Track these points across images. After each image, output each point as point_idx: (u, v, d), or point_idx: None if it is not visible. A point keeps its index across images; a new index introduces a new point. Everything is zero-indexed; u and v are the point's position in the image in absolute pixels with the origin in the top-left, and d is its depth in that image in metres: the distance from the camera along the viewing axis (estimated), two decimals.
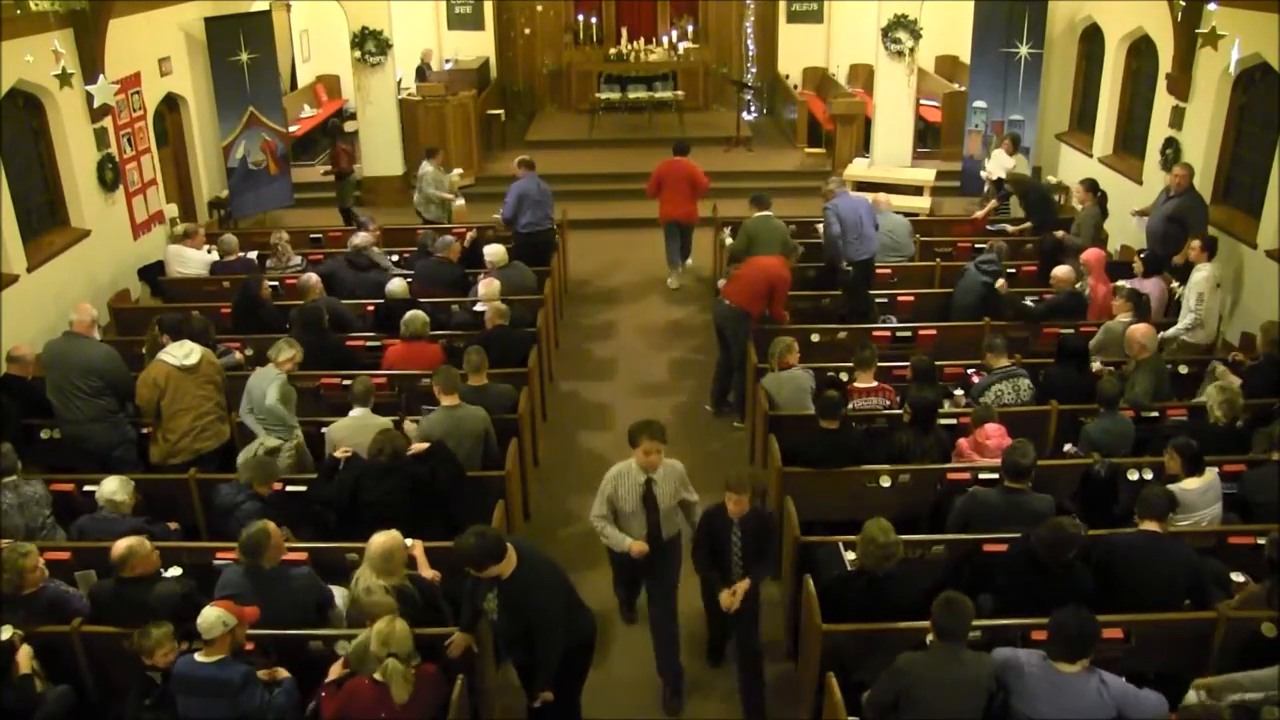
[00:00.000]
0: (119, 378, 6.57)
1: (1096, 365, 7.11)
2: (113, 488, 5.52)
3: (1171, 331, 7.60)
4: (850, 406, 6.52)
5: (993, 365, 6.83)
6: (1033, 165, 11.99)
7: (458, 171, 11.88)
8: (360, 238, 9.05)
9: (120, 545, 4.80)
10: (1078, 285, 8.08)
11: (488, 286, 7.86)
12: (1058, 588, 4.69)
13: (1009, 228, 10.22)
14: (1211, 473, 5.56)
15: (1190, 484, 5.48)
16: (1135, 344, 6.74)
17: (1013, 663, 4.19)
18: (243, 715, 4.24)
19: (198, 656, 4.30)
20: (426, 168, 10.96)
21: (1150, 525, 4.95)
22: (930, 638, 4.26)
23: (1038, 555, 4.75)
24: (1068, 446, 6.41)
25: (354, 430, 6.04)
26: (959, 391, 7.11)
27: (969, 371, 7.21)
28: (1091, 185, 9.39)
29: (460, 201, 11.53)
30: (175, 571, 5.19)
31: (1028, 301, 8.17)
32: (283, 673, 4.53)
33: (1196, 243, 7.72)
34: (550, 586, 4.48)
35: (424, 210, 11.05)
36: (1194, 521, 5.47)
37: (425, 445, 5.81)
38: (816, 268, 9.20)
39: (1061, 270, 8.08)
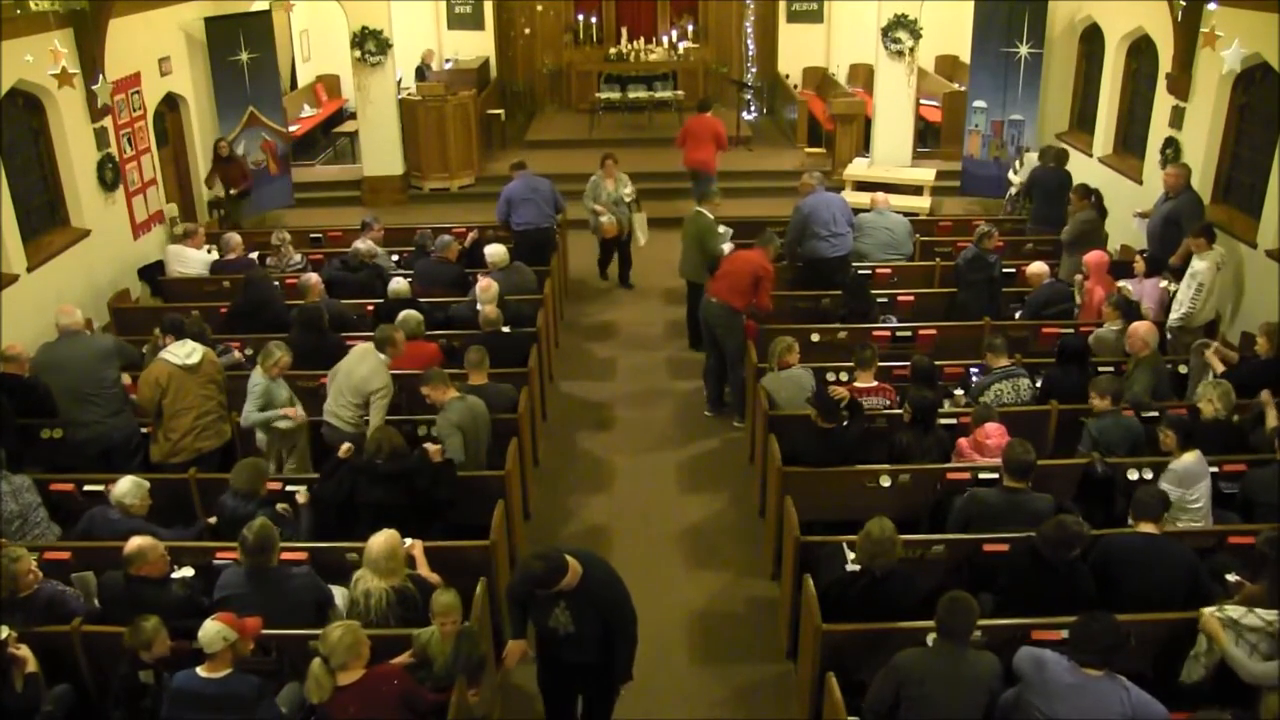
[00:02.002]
0: (130, 354, 6.86)
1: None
2: (125, 489, 5.48)
3: (1170, 322, 7.66)
4: None
5: (993, 365, 6.83)
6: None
7: (627, 190, 10.46)
8: (366, 245, 9.03)
9: (133, 543, 4.81)
10: (1076, 280, 8.16)
11: (485, 290, 7.85)
12: (1060, 587, 4.70)
13: (1012, 177, 10.59)
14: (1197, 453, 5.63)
15: (1188, 458, 5.55)
16: (1138, 340, 6.75)
17: (1036, 655, 4.18)
18: None
19: (200, 671, 4.22)
20: (594, 177, 10.47)
21: (1146, 527, 4.95)
22: (933, 636, 4.26)
23: (1041, 553, 4.75)
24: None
25: (357, 357, 6.48)
26: (959, 391, 7.11)
27: (973, 372, 7.20)
28: (1084, 191, 9.37)
29: (606, 218, 10.29)
30: (187, 572, 5.17)
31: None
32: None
33: (1201, 239, 7.69)
34: (614, 578, 4.50)
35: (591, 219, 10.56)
36: (1198, 495, 5.53)
37: (438, 448, 5.83)
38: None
39: (1034, 266, 8.22)
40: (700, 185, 11.52)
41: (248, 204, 11.84)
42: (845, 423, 6.10)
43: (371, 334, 7.81)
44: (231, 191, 11.58)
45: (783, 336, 7.15)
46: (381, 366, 6.40)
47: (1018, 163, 11.52)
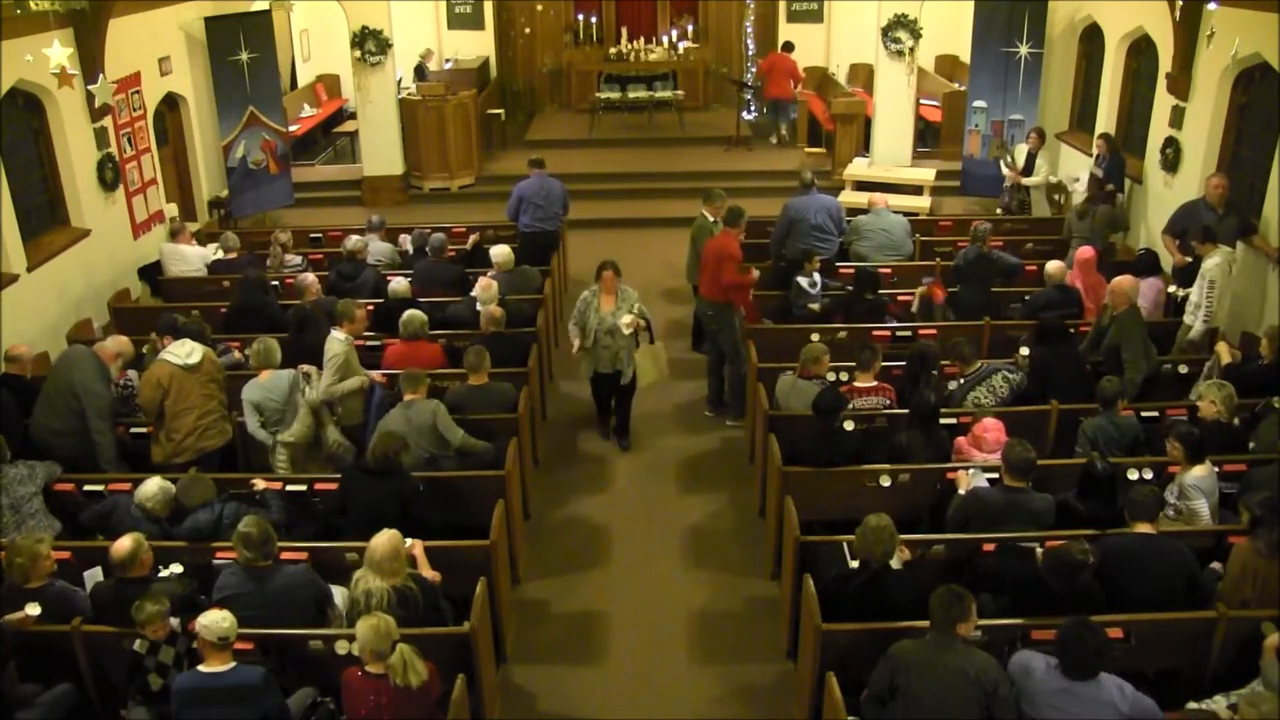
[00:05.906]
0: (97, 403, 6.40)
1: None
2: (151, 493, 5.46)
3: (1193, 333, 7.51)
4: (850, 406, 6.52)
5: (965, 372, 6.82)
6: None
7: (626, 319, 7.44)
8: (353, 241, 9.00)
9: (123, 547, 4.79)
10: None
11: (484, 291, 7.84)
12: (1071, 603, 4.61)
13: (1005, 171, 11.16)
14: (1209, 464, 5.59)
15: (1199, 471, 5.52)
16: (1120, 295, 6.72)
17: (1025, 661, 4.19)
18: (265, 716, 4.24)
19: (203, 668, 4.27)
20: (584, 295, 7.62)
21: (1143, 527, 4.95)
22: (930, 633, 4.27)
23: (1048, 582, 4.72)
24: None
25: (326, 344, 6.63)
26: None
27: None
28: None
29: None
30: (176, 569, 5.17)
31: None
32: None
33: (1204, 243, 7.64)
34: None
35: None
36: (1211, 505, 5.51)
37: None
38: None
39: (1052, 265, 8.18)
40: (781, 113, 14.43)
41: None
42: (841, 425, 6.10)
43: (371, 333, 7.86)
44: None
45: (815, 344, 6.97)
46: (334, 337, 6.55)
47: (1010, 155, 11.51)
